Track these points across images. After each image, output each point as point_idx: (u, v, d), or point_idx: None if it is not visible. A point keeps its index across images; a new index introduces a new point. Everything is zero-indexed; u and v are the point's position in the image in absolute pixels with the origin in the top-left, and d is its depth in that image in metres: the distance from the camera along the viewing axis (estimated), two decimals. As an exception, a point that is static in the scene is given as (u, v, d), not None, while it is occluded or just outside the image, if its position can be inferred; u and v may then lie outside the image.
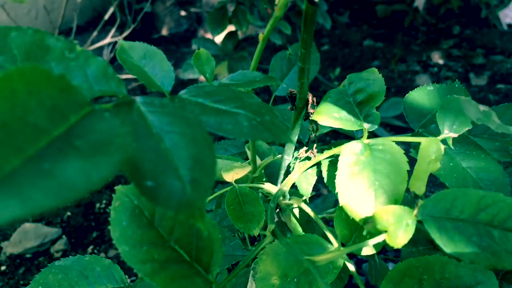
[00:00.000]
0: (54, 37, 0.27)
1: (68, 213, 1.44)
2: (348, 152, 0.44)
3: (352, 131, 0.55)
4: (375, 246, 0.44)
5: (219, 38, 1.72)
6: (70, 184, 0.18)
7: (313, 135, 0.54)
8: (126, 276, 0.50)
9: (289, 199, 0.54)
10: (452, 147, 0.42)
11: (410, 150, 0.49)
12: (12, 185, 0.17)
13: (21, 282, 1.21)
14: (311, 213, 0.50)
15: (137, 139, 0.23)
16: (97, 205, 1.48)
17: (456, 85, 0.53)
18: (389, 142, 0.44)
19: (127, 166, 0.22)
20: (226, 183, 0.58)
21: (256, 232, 0.53)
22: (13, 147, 0.18)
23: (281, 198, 0.53)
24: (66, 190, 0.17)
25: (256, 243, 0.66)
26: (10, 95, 0.18)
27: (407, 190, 0.41)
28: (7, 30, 0.27)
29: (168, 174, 0.22)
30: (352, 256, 1.11)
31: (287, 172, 0.56)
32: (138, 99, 0.27)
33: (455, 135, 0.41)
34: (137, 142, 0.23)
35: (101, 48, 2.18)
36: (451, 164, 0.46)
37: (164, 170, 0.22)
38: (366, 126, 0.47)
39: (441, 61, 2.40)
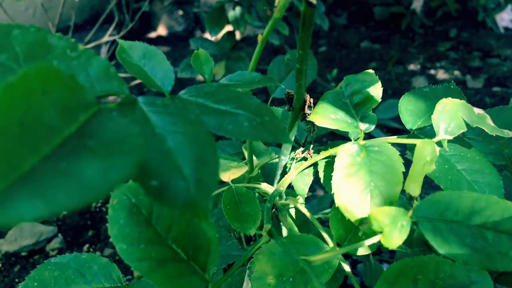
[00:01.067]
0: (56, 35, 0.27)
1: (64, 212, 1.44)
2: (344, 153, 0.45)
3: (349, 132, 0.55)
4: (370, 246, 0.44)
5: (216, 38, 1.73)
6: (90, 184, 0.18)
7: (310, 135, 0.54)
8: (123, 275, 0.51)
9: (286, 199, 0.54)
10: (447, 149, 0.43)
11: (406, 152, 0.50)
12: (34, 183, 0.17)
13: (16, 280, 1.21)
14: (307, 213, 0.50)
15: (142, 140, 0.23)
16: (93, 204, 1.48)
17: (452, 87, 0.53)
18: (385, 144, 0.45)
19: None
20: (223, 183, 0.58)
21: (252, 231, 0.53)
22: (30, 146, 0.18)
23: (277, 198, 0.54)
24: (87, 190, 0.18)
25: (252, 242, 0.66)
26: (26, 94, 0.18)
27: (403, 191, 0.41)
28: (10, 28, 0.27)
29: (172, 174, 0.23)
30: (347, 257, 1.11)
31: (284, 173, 0.56)
32: (140, 99, 0.27)
33: (450, 138, 0.42)
34: (143, 143, 0.23)
35: (98, 47, 2.17)
36: (446, 166, 0.46)
37: (168, 170, 0.23)
38: (363, 127, 0.47)
39: (438, 64, 2.41)
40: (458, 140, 0.48)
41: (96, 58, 0.28)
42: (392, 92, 2.17)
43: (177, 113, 0.26)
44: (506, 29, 2.73)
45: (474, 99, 2.08)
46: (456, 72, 2.32)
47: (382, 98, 0.49)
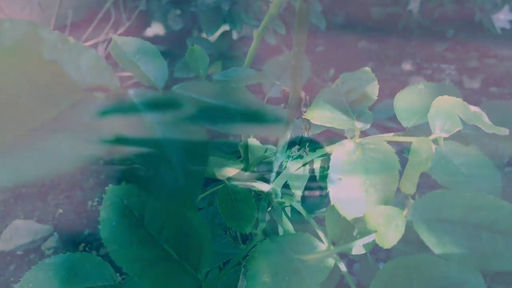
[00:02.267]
0: (47, 29, 0.27)
1: (60, 211, 1.43)
2: (340, 151, 0.44)
3: (345, 130, 0.55)
4: (365, 246, 0.44)
5: (213, 38, 1.72)
6: (61, 157, 0.18)
7: (306, 133, 0.54)
8: (117, 274, 0.50)
9: (281, 198, 0.54)
10: (443, 147, 0.42)
11: (404, 151, 0.49)
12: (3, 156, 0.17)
13: (12, 279, 1.20)
14: (303, 212, 0.50)
15: (130, 130, 0.23)
16: (89, 203, 1.47)
17: (447, 85, 0.53)
18: (381, 142, 0.45)
19: (119, 156, 0.22)
20: (218, 181, 0.58)
21: (248, 230, 0.53)
22: (5, 126, 0.18)
23: (273, 196, 0.53)
24: (57, 162, 0.18)
25: (247, 241, 0.66)
26: (3, 73, 0.18)
27: (399, 189, 0.41)
28: (0, 22, 0.27)
29: (160, 164, 0.22)
30: (344, 256, 1.11)
31: (280, 171, 0.56)
32: (131, 91, 0.27)
33: (446, 135, 0.42)
34: (130, 133, 0.23)
35: (95, 46, 2.16)
36: (443, 161, 0.46)
37: (156, 160, 0.23)
38: (358, 125, 0.47)
39: (434, 64, 2.41)
40: (455, 134, 0.48)
41: (87, 51, 0.28)
42: (389, 92, 2.17)
43: (168, 105, 0.26)
44: (503, 29, 2.73)
45: (471, 99, 2.08)
46: (453, 73, 2.32)
47: (379, 98, 0.49)
